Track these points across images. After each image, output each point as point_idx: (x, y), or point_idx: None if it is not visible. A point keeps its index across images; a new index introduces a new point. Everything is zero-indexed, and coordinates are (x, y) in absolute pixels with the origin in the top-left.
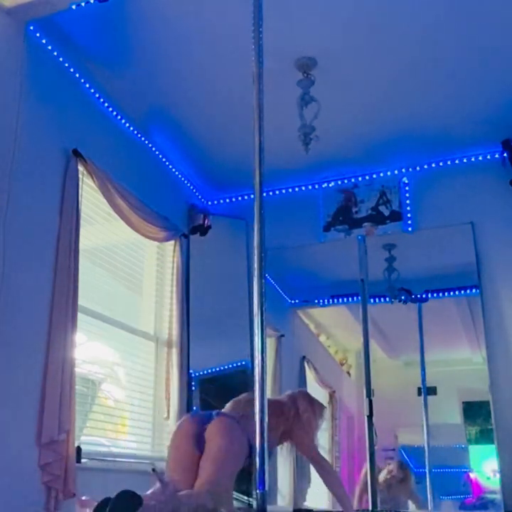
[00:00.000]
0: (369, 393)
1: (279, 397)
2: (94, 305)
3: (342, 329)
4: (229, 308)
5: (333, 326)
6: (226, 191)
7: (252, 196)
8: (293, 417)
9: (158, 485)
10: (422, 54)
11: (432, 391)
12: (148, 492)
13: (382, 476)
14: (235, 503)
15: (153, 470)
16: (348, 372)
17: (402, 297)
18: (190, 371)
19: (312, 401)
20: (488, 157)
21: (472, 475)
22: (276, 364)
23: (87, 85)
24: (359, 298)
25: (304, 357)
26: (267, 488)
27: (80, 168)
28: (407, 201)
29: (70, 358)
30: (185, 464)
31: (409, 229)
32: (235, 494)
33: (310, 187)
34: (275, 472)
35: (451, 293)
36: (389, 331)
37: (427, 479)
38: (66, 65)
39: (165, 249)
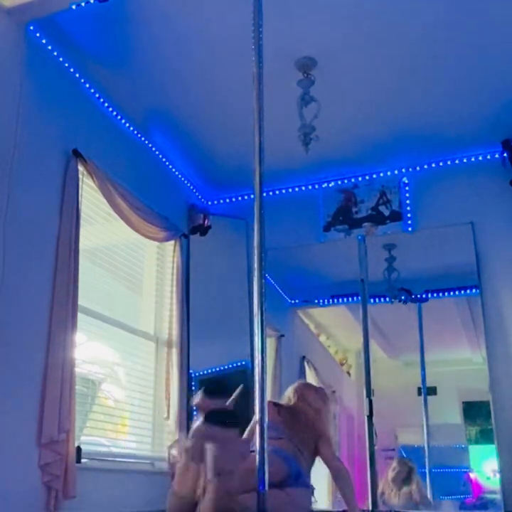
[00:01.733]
0: (369, 393)
1: (287, 401)
2: (94, 305)
3: (342, 329)
4: (229, 308)
5: (333, 326)
6: (226, 191)
7: (252, 196)
8: (314, 412)
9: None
10: (422, 53)
11: (432, 391)
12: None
13: (389, 477)
14: None
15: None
16: (348, 372)
17: (402, 297)
18: (190, 371)
19: (316, 388)
20: (488, 157)
21: (472, 475)
22: (276, 364)
23: (87, 85)
24: (359, 298)
25: (303, 357)
26: (267, 488)
27: (80, 168)
28: (407, 201)
29: (70, 358)
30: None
31: (409, 229)
32: None
33: (310, 187)
34: None
35: (451, 293)
36: (389, 331)
37: (427, 479)
38: (66, 65)
39: (165, 249)
